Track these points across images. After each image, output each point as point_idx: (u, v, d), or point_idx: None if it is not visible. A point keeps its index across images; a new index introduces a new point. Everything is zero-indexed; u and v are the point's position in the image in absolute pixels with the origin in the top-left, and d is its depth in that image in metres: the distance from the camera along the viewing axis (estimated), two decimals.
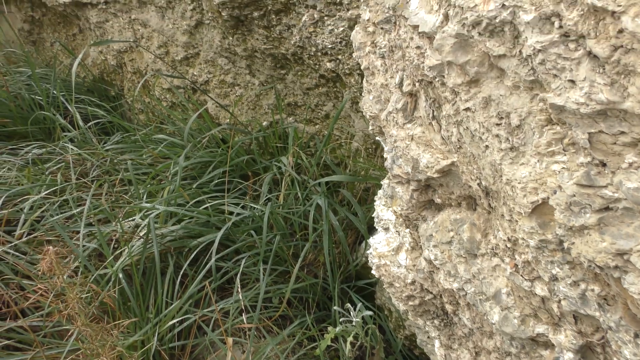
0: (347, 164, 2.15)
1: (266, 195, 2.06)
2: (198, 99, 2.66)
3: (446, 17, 0.95)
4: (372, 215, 1.50)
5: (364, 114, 1.34)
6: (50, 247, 1.14)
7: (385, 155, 1.24)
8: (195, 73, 2.61)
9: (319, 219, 1.87)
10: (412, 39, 1.05)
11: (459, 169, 1.07)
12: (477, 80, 0.93)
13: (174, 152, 2.39)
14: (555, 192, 0.83)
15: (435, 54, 0.96)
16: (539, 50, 0.80)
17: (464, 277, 1.11)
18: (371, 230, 1.94)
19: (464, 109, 0.96)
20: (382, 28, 1.16)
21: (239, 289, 1.62)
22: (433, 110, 1.08)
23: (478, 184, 1.02)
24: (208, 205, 1.92)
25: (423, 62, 1.02)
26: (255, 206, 1.94)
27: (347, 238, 1.95)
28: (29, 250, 1.95)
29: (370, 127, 1.34)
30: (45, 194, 2.11)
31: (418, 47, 1.03)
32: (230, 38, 2.35)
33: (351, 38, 1.33)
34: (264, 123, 2.42)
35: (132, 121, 2.96)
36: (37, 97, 2.90)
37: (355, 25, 1.32)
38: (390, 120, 1.19)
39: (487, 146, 0.94)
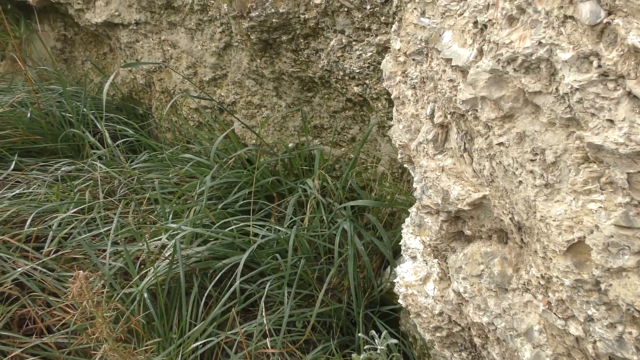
0: (373, 188, 2.14)
1: (291, 218, 2.06)
2: (225, 119, 2.69)
3: (480, 52, 0.95)
4: (400, 243, 1.49)
5: (393, 142, 1.34)
6: (81, 272, 1.16)
7: (414, 185, 1.23)
8: (222, 94, 2.64)
9: (344, 243, 1.87)
10: (444, 71, 1.05)
11: (490, 202, 1.06)
12: (512, 116, 0.92)
13: (200, 172, 2.41)
14: (592, 232, 0.82)
15: (469, 88, 0.96)
16: (577, 89, 0.79)
17: (494, 311, 1.10)
18: (396, 255, 1.93)
19: (497, 144, 0.96)
20: (413, 59, 1.17)
21: (264, 312, 1.62)
22: (465, 143, 1.08)
23: (510, 219, 1.01)
24: (234, 227, 1.93)
25: (455, 95, 1.02)
26: (280, 228, 1.94)
27: (372, 263, 1.94)
28: (57, 267, 1.98)
29: (399, 156, 1.34)
30: (74, 212, 2.14)
31: (450, 80, 1.03)
32: (258, 60, 2.37)
33: (381, 67, 1.33)
34: (290, 145, 2.43)
35: (159, 139, 3.00)
36: (67, 114, 2.95)
37: (386, 55, 1.32)
38: (420, 150, 1.19)
39: (520, 181, 0.94)
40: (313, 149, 2.35)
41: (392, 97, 1.28)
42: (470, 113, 1.00)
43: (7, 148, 2.62)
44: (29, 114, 2.78)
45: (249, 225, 2.01)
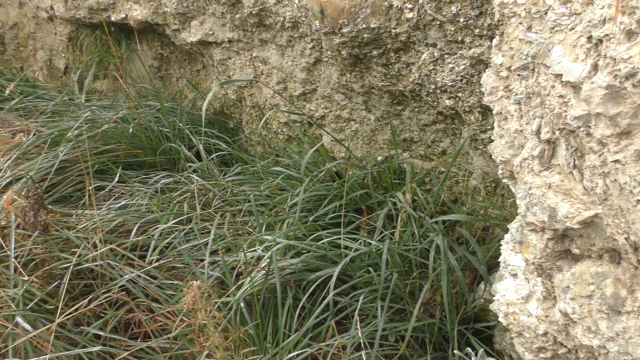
0: (465, 202, 2.12)
1: (381, 231, 2.07)
2: (313, 132, 2.74)
3: (595, 68, 0.92)
4: (498, 259, 1.46)
5: (493, 157, 1.32)
6: (195, 282, 1.23)
7: (518, 202, 1.21)
8: (312, 108, 2.70)
9: (436, 258, 1.85)
10: (553, 87, 1.03)
11: (602, 221, 1.02)
12: (629, 132, 0.89)
13: (290, 185, 2.47)
14: None
15: (582, 104, 0.94)
16: None
17: (606, 334, 1.06)
18: (490, 270, 1.89)
19: (612, 161, 0.93)
20: (518, 74, 1.15)
21: (358, 325, 1.64)
22: (574, 160, 1.05)
23: (625, 239, 0.97)
24: (326, 240, 1.96)
25: (566, 111, 1.00)
26: (371, 242, 1.95)
27: (465, 278, 1.91)
28: (159, 275, 2.08)
29: (500, 171, 1.32)
30: (173, 223, 2.25)
31: (560, 96, 1.01)
32: (348, 75, 2.41)
33: (482, 82, 1.32)
34: (379, 158, 2.45)
35: (249, 153, 3.10)
36: (164, 129, 3.12)
37: (486, 70, 1.31)
38: (524, 166, 1.17)
39: (638, 200, 0.90)
40: (402, 162, 2.35)
41: (493, 112, 1.27)
42: (582, 129, 0.97)
43: (112, 161, 2.80)
44: (131, 129, 2.96)
45: (340, 238, 2.04)
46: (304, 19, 2.54)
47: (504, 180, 1.35)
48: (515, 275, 1.35)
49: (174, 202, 2.42)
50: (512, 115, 1.21)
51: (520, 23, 1.13)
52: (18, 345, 1.87)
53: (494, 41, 1.28)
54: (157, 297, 2.01)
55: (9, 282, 2.03)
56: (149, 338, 1.97)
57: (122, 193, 2.63)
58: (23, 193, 2.28)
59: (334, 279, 1.78)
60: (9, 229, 2.27)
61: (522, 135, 1.18)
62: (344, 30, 2.21)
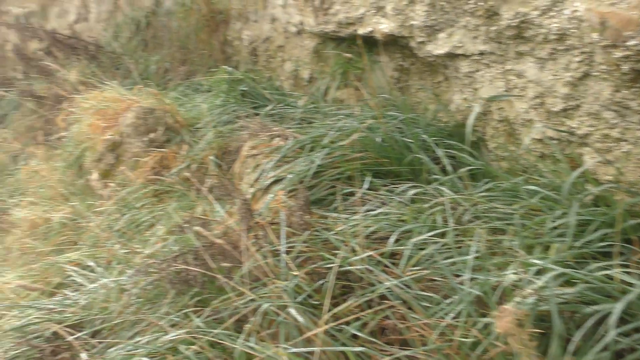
0: None
1: None
2: (572, 152, 2.57)
3: None
4: None
5: None
6: (508, 307, 1.22)
7: None
8: (573, 125, 2.53)
9: None
10: None
11: None
12: None
13: (546, 206, 2.35)
14: None
15: None
16: None
17: None
18: None
19: None
20: None
21: None
22: None
23: None
24: (601, 272, 1.82)
25: None
26: None
27: None
28: (413, 285, 2.12)
29: None
30: (428, 235, 2.27)
31: None
32: (625, 91, 2.22)
33: None
34: None
35: (492, 168, 3.02)
36: (406, 139, 3.18)
37: None
38: None
39: None
40: None
41: None
42: None
43: (362, 169, 2.94)
44: (379, 139, 3.08)
45: (612, 270, 1.87)
46: (573, 30, 2.40)
47: None
48: None
49: (426, 213, 2.44)
50: None
51: None
52: (288, 333, 2.05)
53: None
54: (413, 306, 2.05)
55: (280, 276, 2.24)
56: (404, 346, 2.01)
57: (370, 200, 2.74)
58: (291, 194, 2.50)
59: (616, 316, 1.64)
60: (277, 225, 2.51)
61: None
62: (630, 43, 2.03)
